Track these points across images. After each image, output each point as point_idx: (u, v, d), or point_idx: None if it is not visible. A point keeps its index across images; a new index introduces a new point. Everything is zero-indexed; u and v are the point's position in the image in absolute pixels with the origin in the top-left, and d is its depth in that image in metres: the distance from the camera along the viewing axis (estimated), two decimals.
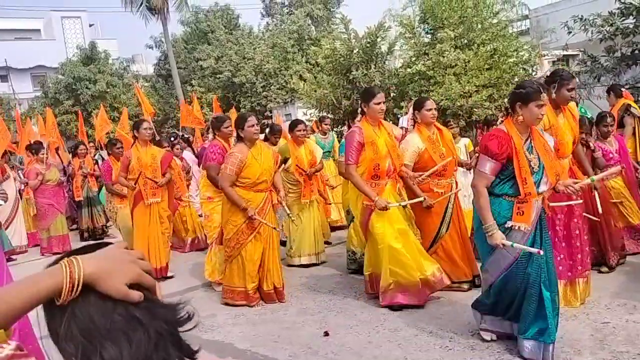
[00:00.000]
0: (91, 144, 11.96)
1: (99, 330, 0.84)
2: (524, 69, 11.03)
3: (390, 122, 10.35)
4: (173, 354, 0.88)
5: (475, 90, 10.16)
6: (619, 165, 4.78)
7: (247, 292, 4.81)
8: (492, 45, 10.54)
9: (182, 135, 11.44)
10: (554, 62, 13.45)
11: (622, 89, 6.92)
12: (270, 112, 19.92)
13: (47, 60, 31.03)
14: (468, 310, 4.07)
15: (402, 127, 5.39)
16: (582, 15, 10.61)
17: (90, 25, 38.60)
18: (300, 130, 6.26)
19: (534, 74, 11.09)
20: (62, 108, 23.41)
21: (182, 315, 0.92)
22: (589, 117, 5.89)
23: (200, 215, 7.26)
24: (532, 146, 3.28)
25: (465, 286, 4.72)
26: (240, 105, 20.38)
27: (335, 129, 11.30)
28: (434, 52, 10.61)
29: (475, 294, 4.07)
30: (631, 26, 10.10)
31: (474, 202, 3.43)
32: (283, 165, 5.98)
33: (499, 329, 3.54)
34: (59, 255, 0.92)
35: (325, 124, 7.71)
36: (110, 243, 0.99)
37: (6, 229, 8.01)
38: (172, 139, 10.16)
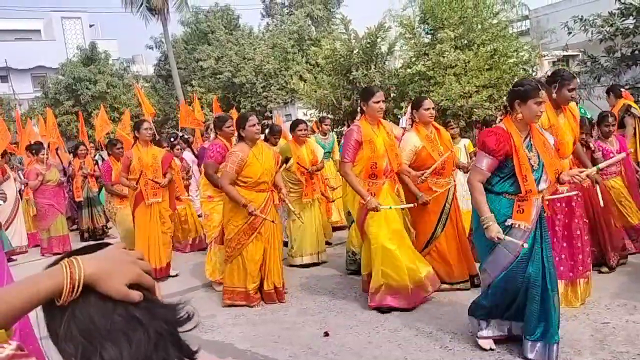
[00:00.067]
0: (91, 145, 11.98)
1: (98, 331, 0.84)
2: (524, 69, 11.04)
3: (391, 122, 10.37)
4: (173, 354, 0.88)
5: (476, 91, 10.17)
6: (624, 153, 4.78)
7: (248, 292, 4.81)
8: (492, 45, 10.55)
9: (182, 136, 11.44)
10: (554, 62, 13.46)
11: (622, 90, 6.92)
12: (271, 113, 19.93)
13: (48, 60, 31.05)
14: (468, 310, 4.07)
15: (402, 128, 5.40)
16: (582, 16, 10.62)
17: (91, 26, 38.62)
18: (301, 130, 6.28)
19: (534, 74, 11.09)
20: (62, 108, 23.43)
21: (182, 315, 0.92)
22: (588, 117, 5.89)
23: (199, 215, 7.26)
24: (531, 144, 3.27)
25: (461, 286, 4.75)
26: (241, 106, 20.39)
27: (335, 130, 11.30)
28: (434, 52, 10.62)
29: (475, 294, 4.12)
30: (631, 26, 10.11)
31: (472, 200, 3.43)
32: (284, 165, 5.99)
33: (499, 332, 3.49)
34: (58, 256, 0.92)
35: (326, 125, 7.71)
36: (110, 243, 0.99)
37: (6, 229, 8.01)
38: (172, 139, 10.17)
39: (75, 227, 10.20)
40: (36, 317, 0.90)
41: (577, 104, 4.57)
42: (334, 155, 7.43)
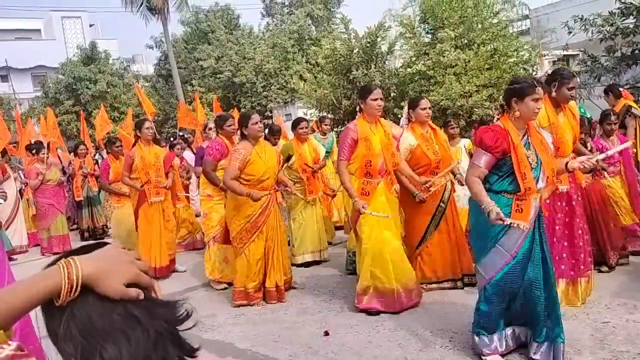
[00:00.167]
0: (92, 144, 11.98)
1: (98, 330, 0.84)
2: (525, 68, 11.03)
3: (391, 122, 10.37)
4: (172, 352, 0.88)
5: (476, 90, 10.16)
6: (629, 142, 4.77)
7: (247, 290, 4.82)
8: (492, 45, 10.54)
9: (182, 136, 11.45)
10: (554, 62, 13.45)
11: (621, 89, 6.90)
12: (271, 112, 19.94)
13: (48, 60, 31.04)
14: (468, 310, 4.06)
15: (402, 127, 5.40)
16: (582, 15, 10.62)
17: (91, 25, 38.62)
18: (302, 128, 6.31)
19: (534, 73, 11.09)
20: (63, 108, 23.42)
21: (182, 314, 0.92)
22: (588, 117, 5.88)
23: (197, 215, 7.27)
24: (529, 142, 3.25)
25: (449, 284, 4.80)
26: (241, 105, 20.39)
27: (335, 129, 11.29)
28: (434, 52, 10.61)
29: (470, 293, 4.12)
30: (631, 26, 10.11)
31: (470, 199, 3.42)
32: (287, 163, 6.02)
33: (505, 346, 3.37)
34: (57, 256, 0.92)
35: (325, 124, 7.70)
36: (109, 243, 0.99)
37: (6, 229, 8.01)
38: (172, 139, 10.18)
39: (75, 226, 10.21)
40: (36, 317, 0.90)
41: (577, 102, 4.57)
42: (333, 155, 7.43)
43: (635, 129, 6.46)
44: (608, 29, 10.31)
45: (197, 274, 6.08)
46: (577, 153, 4.46)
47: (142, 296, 0.89)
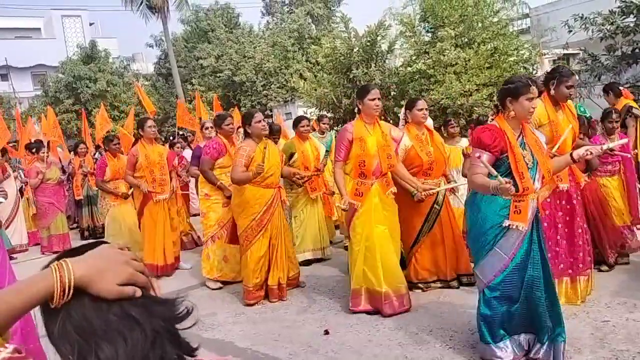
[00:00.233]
0: (92, 143, 11.97)
1: (94, 330, 0.84)
2: (525, 67, 11.03)
3: (391, 121, 10.36)
4: (171, 351, 0.88)
5: (476, 89, 10.16)
6: (626, 139, 4.76)
7: (248, 288, 4.83)
8: (492, 44, 10.54)
9: (182, 135, 11.45)
10: (554, 60, 13.44)
11: (621, 88, 6.89)
12: (271, 111, 19.94)
13: (48, 59, 31.02)
14: (468, 309, 4.07)
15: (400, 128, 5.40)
16: (582, 14, 10.61)
17: (91, 24, 38.59)
18: (304, 126, 6.34)
19: (534, 72, 11.09)
20: (63, 107, 23.41)
21: (181, 312, 0.92)
22: (587, 116, 5.87)
23: (197, 214, 7.27)
24: (524, 142, 3.24)
25: (440, 285, 4.80)
26: (241, 104, 20.39)
27: (335, 128, 11.29)
28: (434, 50, 10.61)
29: (467, 292, 4.12)
30: (632, 25, 10.11)
31: (466, 202, 3.40)
32: (289, 161, 6.04)
33: (515, 353, 3.28)
34: (54, 256, 0.92)
35: (324, 123, 7.68)
36: (107, 242, 0.98)
37: (6, 228, 8.01)
38: (172, 138, 10.18)
39: (75, 225, 10.22)
40: (35, 316, 0.90)
41: (573, 101, 4.54)
42: (331, 154, 7.43)
43: (636, 129, 6.45)
44: (608, 28, 10.31)
45: (197, 273, 6.08)
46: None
47: (138, 293, 0.89)
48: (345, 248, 5.76)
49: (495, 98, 9.92)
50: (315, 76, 12.82)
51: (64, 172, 9.42)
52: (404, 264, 4.74)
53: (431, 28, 11.50)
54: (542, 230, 3.37)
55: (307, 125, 6.42)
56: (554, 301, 3.23)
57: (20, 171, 9.77)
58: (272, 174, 4.83)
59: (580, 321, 3.84)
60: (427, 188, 4.53)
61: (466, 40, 10.79)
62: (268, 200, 4.77)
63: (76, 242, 8.66)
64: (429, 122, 6.29)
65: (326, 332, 4.04)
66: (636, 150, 6.18)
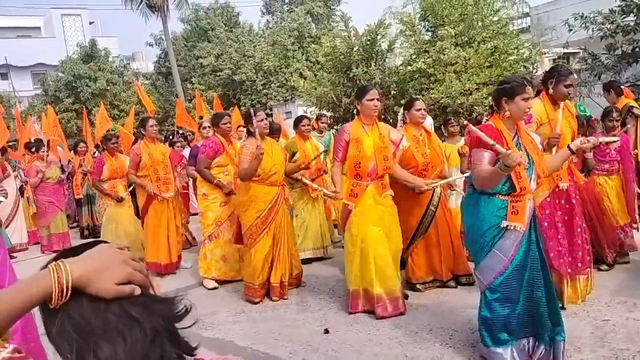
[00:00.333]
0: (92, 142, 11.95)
1: (93, 330, 0.84)
2: (525, 66, 11.04)
3: (391, 120, 10.36)
4: (170, 350, 0.88)
5: (476, 88, 10.17)
6: (618, 137, 4.74)
7: (254, 286, 4.86)
8: (492, 42, 10.55)
9: (182, 133, 11.44)
10: (554, 59, 13.44)
11: (622, 87, 6.88)
12: (271, 110, 19.93)
13: (48, 58, 31.02)
14: (468, 308, 4.08)
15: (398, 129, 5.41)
16: (582, 13, 10.60)
17: (91, 23, 38.58)
18: (304, 125, 6.38)
19: (534, 71, 11.09)
20: (63, 106, 23.40)
21: (180, 310, 0.92)
22: (587, 114, 5.87)
23: (195, 214, 7.27)
24: (519, 142, 3.24)
25: (435, 284, 4.79)
26: (241, 103, 20.38)
27: (335, 127, 11.29)
28: (434, 49, 10.62)
29: (465, 291, 4.16)
30: (632, 24, 10.10)
31: (462, 203, 3.38)
32: (290, 160, 6.06)
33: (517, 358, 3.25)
34: (53, 255, 0.93)
35: (322, 122, 7.68)
36: (105, 241, 0.98)
37: (7, 227, 8.01)
38: (171, 137, 10.17)
39: (75, 224, 10.22)
40: (34, 315, 0.91)
41: (571, 100, 4.53)
42: (330, 154, 7.44)
43: (636, 129, 6.43)
44: (608, 27, 10.30)
45: (196, 273, 6.07)
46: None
47: (137, 292, 0.89)
48: None
49: (490, 98, 9.96)
50: (315, 75, 12.82)
51: (63, 171, 9.42)
52: (404, 264, 4.75)
53: (431, 27, 11.51)
54: (539, 230, 3.37)
55: (308, 125, 6.45)
56: (552, 300, 3.23)
57: (20, 170, 9.78)
58: (276, 172, 4.84)
59: (580, 320, 3.84)
60: (429, 182, 4.51)
61: (466, 39, 10.80)
62: (272, 198, 4.80)
63: (76, 241, 8.66)
64: (429, 122, 6.28)
65: (326, 331, 4.05)
66: (636, 151, 6.17)
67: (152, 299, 0.92)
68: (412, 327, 3.98)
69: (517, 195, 3.12)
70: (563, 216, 4.10)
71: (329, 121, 11.83)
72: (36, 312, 0.90)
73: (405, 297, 4.46)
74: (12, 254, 7.80)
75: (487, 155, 3.08)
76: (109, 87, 23.81)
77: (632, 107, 6.42)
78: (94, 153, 11.07)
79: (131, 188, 6.97)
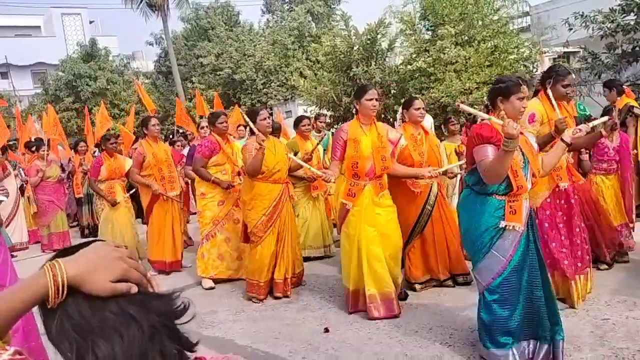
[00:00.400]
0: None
1: (91, 328, 0.85)
2: (525, 65, 11.04)
3: (391, 119, 10.37)
4: (170, 346, 0.89)
5: (476, 87, 10.17)
6: (607, 117, 4.68)
7: (259, 284, 4.87)
8: (492, 42, 10.55)
9: (183, 132, 11.45)
10: (554, 59, 13.44)
11: (623, 86, 6.88)
12: (271, 109, 19.92)
13: (48, 57, 31.04)
14: (468, 307, 4.08)
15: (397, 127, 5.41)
16: (582, 12, 10.61)
17: (91, 22, 38.61)
18: (305, 125, 6.41)
19: (534, 70, 11.09)
20: (63, 105, 23.41)
21: (178, 306, 0.92)
22: (587, 114, 5.87)
23: (194, 213, 7.27)
24: None
25: (432, 283, 4.80)
26: (241, 103, 20.38)
27: (335, 126, 11.29)
28: (434, 48, 10.62)
29: (473, 291, 4.14)
30: (632, 23, 10.10)
31: (458, 205, 3.37)
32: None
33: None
34: (51, 255, 0.93)
35: (320, 122, 7.68)
36: (102, 240, 0.99)
37: (7, 226, 8.02)
38: (171, 136, 10.18)
39: (75, 223, 10.23)
40: (36, 315, 0.91)
41: (569, 101, 4.52)
42: (328, 153, 7.45)
43: (636, 129, 6.42)
44: (609, 26, 10.30)
45: (194, 272, 6.08)
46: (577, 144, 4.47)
47: (134, 290, 0.89)
48: None
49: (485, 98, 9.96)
50: (316, 74, 12.82)
51: (63, 170, 9.43)
52: (403, 263, 4.74)
53: (431, 26, 11.51)
54: (537, 229, 3.36)
55: (309, 125, 6.49)
56: (551, 300, 3.22)
57: (20, 169, 9.78)
58: (279, 170, 4.87)
59: (580, 319, 3.85)
60: (430, 170, 4.46)
61: (466, 38, 10.80)
62: (276, 196, 4.83)
63: (76, 240, 8.67)
64: (429, 121, 6.28)
65: (326, 330, 4.05)
66: (635, 151, 6.17)
67: (149, 296, 0.92)
68: (412, 326, 3.98)
69: (514, 195, 3.11)
70: (562, 216, 4.11)
71: (328, 120, 11.88)
72: (37, 311, 0.90)
73: (404, 297, 4.45)
74: (13, 253, 7.79)
75: (490, 149, 3.06)
76: (109, 86, 23.81)
77: (632, 106, 6.40)
78: (94, 152, 11.08)
79: (132, 191, 6.96)
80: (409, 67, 11.14)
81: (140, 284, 0.92)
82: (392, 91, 11.77)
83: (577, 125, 4.32)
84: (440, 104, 10.45)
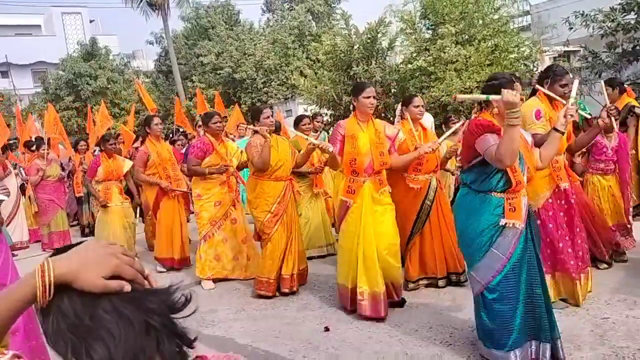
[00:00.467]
0: None
1: (85, 328, 0.84)
2: (525, 64, 11.04)
3: (391, 118, 10.36)
4: (168, 344, 0.88)
5: (477, 86, 10.15)
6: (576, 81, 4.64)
7: (270, 281, 4.89)
8: (493, 41, 10.54)
9: (184, 132, 11.46)
10: (554, 58, 13.44)
11: (625, 86, 6.86)
12: (271, 108, 19.90)
13: (48, 56, 31.04)
14: (469, 306, 4.07)
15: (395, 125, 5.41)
16: (583, 11, 10.60)
17: (91, 21, 38.63)
18: (305, 124, 6.45)
19: (535, 69, 11.08)
20: (63, 104, 23.41)
21: (178, 300, 0.92)
22: (588, 113, 5.86)
23: (192, 212, 7.28)
24: None
25: (430, 282, 4.81)
26: (241, 102, 20.37)
27: (334, 126, 11.25)
28: (434, 47, 10.61)
29: (460, 289, 4.09)
30: (632, 22, 10.10)
31: (455, 205, 3.36)
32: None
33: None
34: (49, 253, 0.93)
35: (317, 121, 7.70)
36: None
37: (8, 225, 8.02)
38: (171, 135, 10.18)
39: (76, 222, 10.23)
40: (36, 314, 0.91)
41: (577, 99, 4.53)
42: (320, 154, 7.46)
43: (636, 129, 6.40)
44: (609, 25, 10.29)
45: (192, 272, 6.08)
46: (575, 142, 4.47)
47: (127, 288, 0.88)
48: None
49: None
50: (316, 73, 12.81)
51: (63, 169, 9.43)
52: (403, 262, 4.74)
53: (432, 25, 11.49)
54: (535, 228, 3.36)
55: (309, 124, 6.53)
56: (548, 298, 3.23)
57: (20, 168, 9.78)
58: (281, 166, 4.90)
59: (580, 318, 3.85)
60: (431, 144, 4.47)
61: (467, 37, 10.79)
62: (280, 193, 4.87)
63: (76, 239, 8.67)
64: (430, 120, 6.28)
65: (326, 329, 4.05)
66: (634, 151, 6.15)
67: (145, 292, 0.92)
68: (412, 325, 3.98)
69: (512, 192, 3.11)
70: (564, 217, 4.11)
71: (329, 119, 11.88)
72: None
73: (402, 304, 4.37)
74: (13, 252, 7.78)
75: (490, 136, 3.05)
76: (109, 86, 23.81)
77: (633, 106, 6.38)
78: (94, 151, 11.09)
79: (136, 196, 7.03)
80: (409, 66, 11.13)
81: (134, 280, 0.91)
82: (393, 90, 11.77)
83: (574, 127, 4.34)
84: (440, 103, 10.45)
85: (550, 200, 4.04)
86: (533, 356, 3.18)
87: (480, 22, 10.91)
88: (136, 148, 8.77)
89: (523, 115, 3.26)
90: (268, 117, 4.93)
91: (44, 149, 8.49)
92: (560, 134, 3.35)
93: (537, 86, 4.10)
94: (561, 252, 3.97)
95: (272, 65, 20.56)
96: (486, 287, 3.16)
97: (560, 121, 3.32)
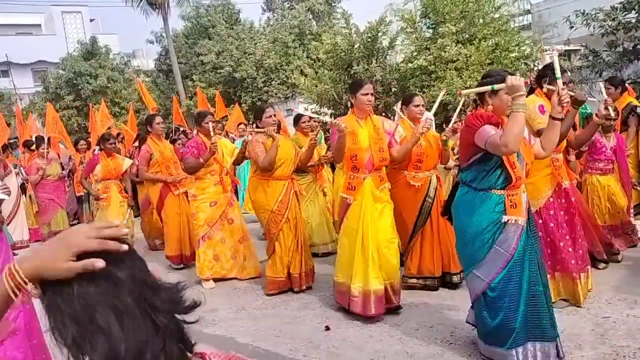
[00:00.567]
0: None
1: (86, 320, 0.85)
2: (526, 63, 11.02)
3: (392, 117, 10.34)
4: (172, 343, 0.88)
5: (477, 85, 10.14)
6: (555, 52, 4.61)
7: (279, 280, 4.93)
8: (493, 40, 10.52)
9: (184, 131, 11.45)
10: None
11: (627, 85, 6.85)
12: (272, 108, 19.90)
13: (48, 55, 31.01)
14: (469, 305, 4.07)
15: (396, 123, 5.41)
16: (584, 10, 10.59)
17: (91, 20, 38.60)
18: (304, 123, 6.49)
19: (535, 68, 11.07)
20: (63, 103, 23.38)
21: (177, 296, 0.92)
22: (588, 112, 5.86)
23: None
24: None
25: (431, 282, 4.78)
26: (241, 101, 20.37)
27: None
28: (435, 46, 10.59)
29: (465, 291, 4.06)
30: (633, 21, 10.09)
31: (453, 206, 3.36)
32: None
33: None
34: None
35: (315, 121, 7.69)
36: None
37: (8, 224, 8.02)
38: (171, 134, 10.18)
39: (76, 221, 10.24)
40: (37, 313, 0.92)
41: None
42: (321, 150, 7.44)
43: (637, 129, 6.38)
44: (610, 24, 10.28)
45: (191, 272, 6.08)
46: (575, 140, 4.47)
47: (99, 264, 0.87)
48: None
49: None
50: (316, 72, 12.79)
51: (63, 168, 9.43)
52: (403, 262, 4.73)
53: (432, 24, 11.48)
54: (534, 223, 3.35)
55: (308, 122, 6.54)
56: (549, 297, 3.23)
57: (20, 168, 9.79)
58: (282, 165, 4.90)
59: (580, 317, 3.85)
60: (422, 123, 4.51)
61: (467, 36, 10.77)
62: (281, 192, 4.88)
63: None
64: (430, 118, 6.24)
65: (327, 328, 4.05)
66: (632, 151, 6.14)
67: (154, 289, 0.92)
68: (412, 324, 3.98)
69: (513, 188, 3.11)
70: (564, 215, 4.11)
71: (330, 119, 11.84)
72: (39, 309, 0.91)
73: (397, 308, 4.29)
74: (14, 251, 7.78)
75: (489, 127, 3.04)
76: (109, 85, 23.79)
77: (635, 106, 6.35)
78: (94, 150, 11.09)
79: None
80: (409, 65, 11.11)
81: (106, 250, 0.89)
82: (393, 89, 11.75)
83: (576, 127, 4.34)
84: (441, 102, 10.42)
85: (551, 199, 4.04)
86: (534, 354, 3.16)
87: (481, 21, 10.89)
88: (136, 147, 8.77)
89: (527, 109, 3.25)
90: (270, 116, 4.98)
91: (43, 148, 8.49)
92: (559, 121, 3.33)
93: (546, 85, 4.06)
94: (562, 252, 3.97)
95: (272, 64, 20.54)
96: (489, 286, 3.15)
97: (556, 109, 3.31)
